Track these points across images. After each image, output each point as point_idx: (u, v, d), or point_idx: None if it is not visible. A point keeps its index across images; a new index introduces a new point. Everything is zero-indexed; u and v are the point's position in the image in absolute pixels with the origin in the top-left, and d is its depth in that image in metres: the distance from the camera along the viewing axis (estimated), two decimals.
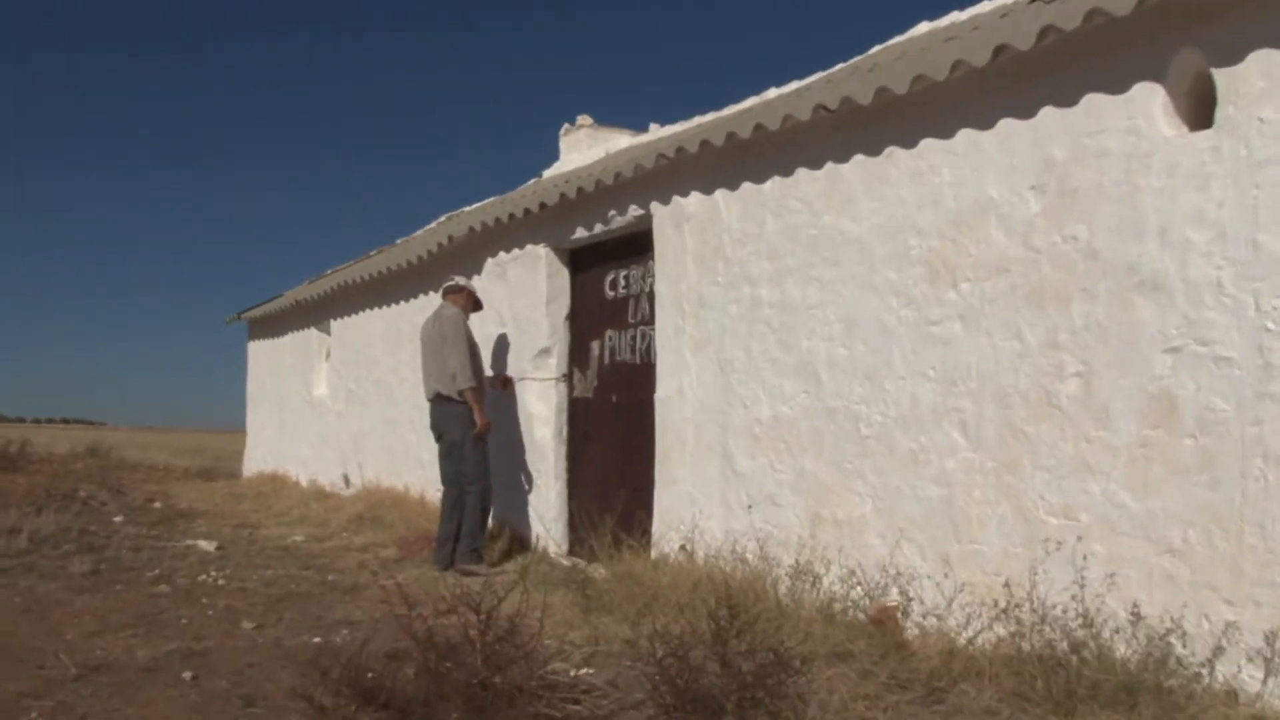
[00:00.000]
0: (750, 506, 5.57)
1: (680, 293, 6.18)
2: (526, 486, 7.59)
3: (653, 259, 6.60)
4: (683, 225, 6.17)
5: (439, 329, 7.07)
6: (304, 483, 11.89)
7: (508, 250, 7.93)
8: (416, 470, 9.22)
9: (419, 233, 12.40)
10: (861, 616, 4.59)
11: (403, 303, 9.75)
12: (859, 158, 5.13)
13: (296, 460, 12.42)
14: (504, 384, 7.66)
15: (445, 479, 7.10)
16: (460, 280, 7.41)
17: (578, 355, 7.45)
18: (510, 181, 8.91)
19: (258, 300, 14.16)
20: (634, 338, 6.87)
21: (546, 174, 10.94)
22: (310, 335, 12.23)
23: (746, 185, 5.77)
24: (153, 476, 14.27)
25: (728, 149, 5.73)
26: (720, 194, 5.94)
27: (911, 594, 4.63)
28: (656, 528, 6.23)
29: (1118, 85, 4.05)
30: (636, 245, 6.78)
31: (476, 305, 7.49)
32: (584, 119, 11.76)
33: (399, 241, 12.47)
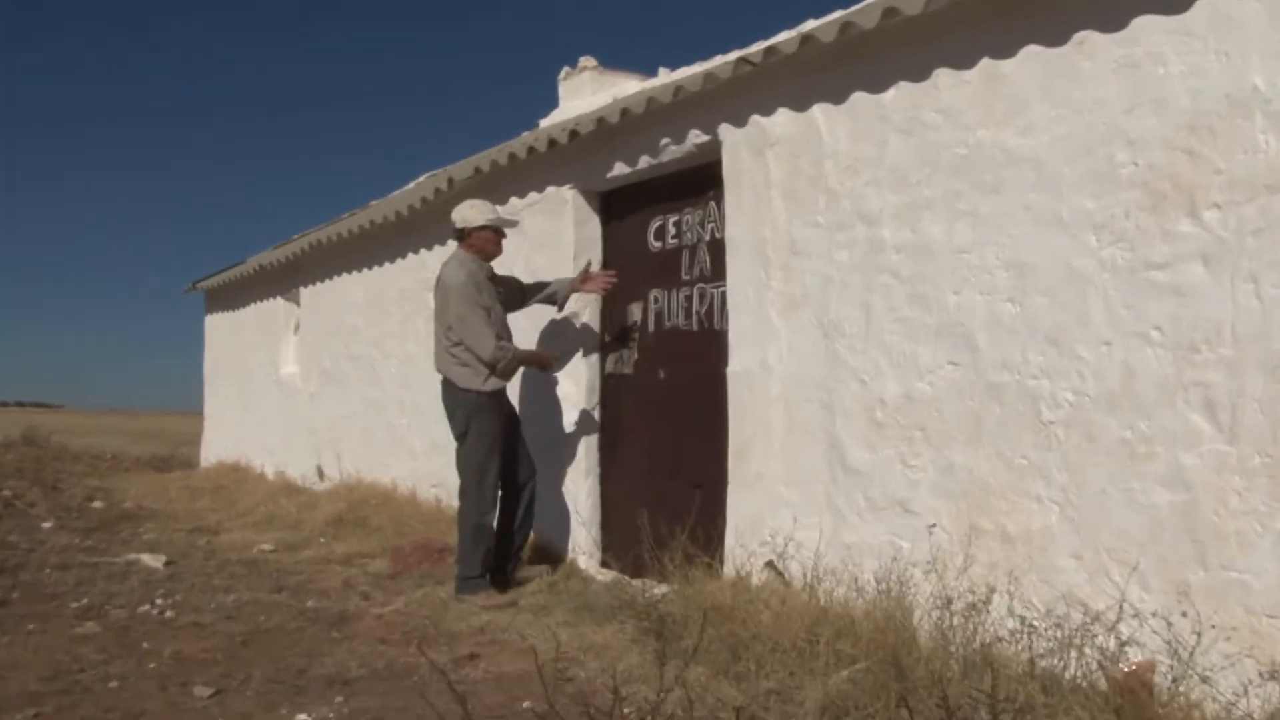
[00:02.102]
0: (904, 515, 4.24)
1: (762, 238, 4.82)
2: (549, 484, 6.20)
3: (716, 199, 5.26)
4: (765, 152, 4.81)
5: (440, 294, 5.48)
6: (270, 474, 10.44)
7: (522, 195, 6.53)
8: (406, 462, 7.82)
9: (397, 192, 10.94)
10: (1077, 674, 3.28)
11: (387, 264, 8.31)
12: (1032, 50, 3.81)
13: (261, 448, 10.95)
14: (544, 364, 5.87)
15: None
16: (465, 212, 5.51)
17: (612, 323, 6.07)
18: (497, 137, 7.38)
19: (218, 269, 12.59)
20: (689, 298, 5.51)
21: (544, 123, 9.56)
22: (276, 306, 10.74)
23: (859, 97, 4.42)
24: (97, 468, 12.69)
25: (835, 50, 4.39)
26: (820, 110, 4.59)
27: (1128, 638, 3.34)
28: (731, 538, 4.89)
29: None
30: (694, 182, 5.43)
31: (499, 236, 5.61)
32: (587, 60, 10.34)
33: (373, 204, 10.97)
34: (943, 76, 4.10)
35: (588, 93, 9.60)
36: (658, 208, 5.75)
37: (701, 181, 5.37)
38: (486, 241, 5.55)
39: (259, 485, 9.97)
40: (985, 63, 3.95)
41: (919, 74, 4.18)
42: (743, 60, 4.63)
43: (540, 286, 5.88)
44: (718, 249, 5.27)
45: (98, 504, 9.15)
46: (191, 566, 6.15)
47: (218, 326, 12.86)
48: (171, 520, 8.31)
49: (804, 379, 4.60)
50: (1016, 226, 3.83)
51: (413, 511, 7.27)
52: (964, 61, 4.02)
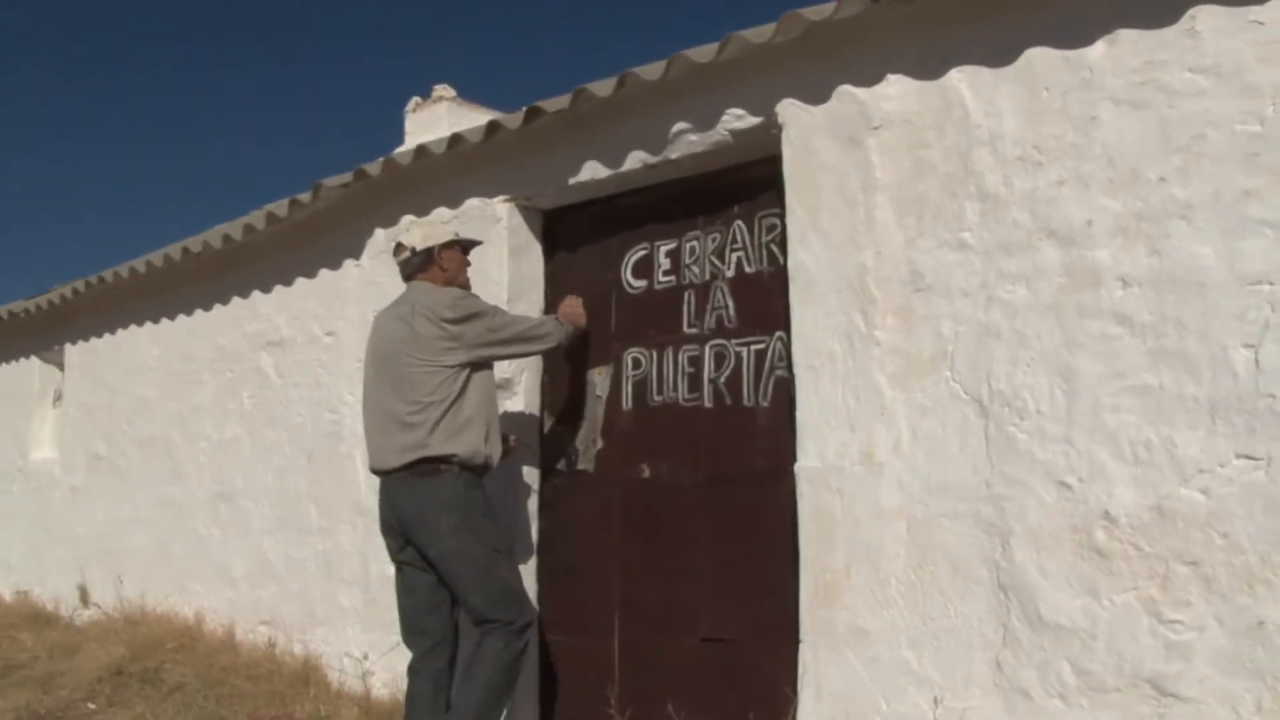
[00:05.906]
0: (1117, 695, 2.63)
1: (859, 266, 3.22)
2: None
3: (745, 216, 3.73)
4: (864, 139, 3.24)
5: (406, 336, 3.62)
6: (6, 596, 7.79)
7: (425, 212, 4.69)
8: (221, 589, 5.60)
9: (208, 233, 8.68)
10: None
11: (200, 312, 6.13)
12: None
13: None
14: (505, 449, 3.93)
15: (417, 631, 3.62)
16: (423, 229, 3.90)
17: (559, 396, 4.29)
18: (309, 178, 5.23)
19: None
20: (697, 360, 3.83)
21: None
22: (29, 369, 8.16)
23: (1037, 53, 2.94)
24: None
25: None
26: (961, 74, 3.08)
27: None
28: None
29: None
30: (707, 192, 3.84)
31: (466, 260, 3.94)
32: (443, 89, 8.59)
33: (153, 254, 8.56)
34: (1204, 17, 2.67)
35: (444, 128, 7.81)
36: (641, 231, 4.07)
37: (724, 190, 3.78)
38: (459, 267, 3.89)
39: None
40: None
41: (1157, 16, 2.74)
42: None
43: None
44: (750, 288, 3.67)
45: None
46: None
47: None
48: None
49: (945, 481, 2.98)
50: None
51: (231, 660, 5.08)
52: None
